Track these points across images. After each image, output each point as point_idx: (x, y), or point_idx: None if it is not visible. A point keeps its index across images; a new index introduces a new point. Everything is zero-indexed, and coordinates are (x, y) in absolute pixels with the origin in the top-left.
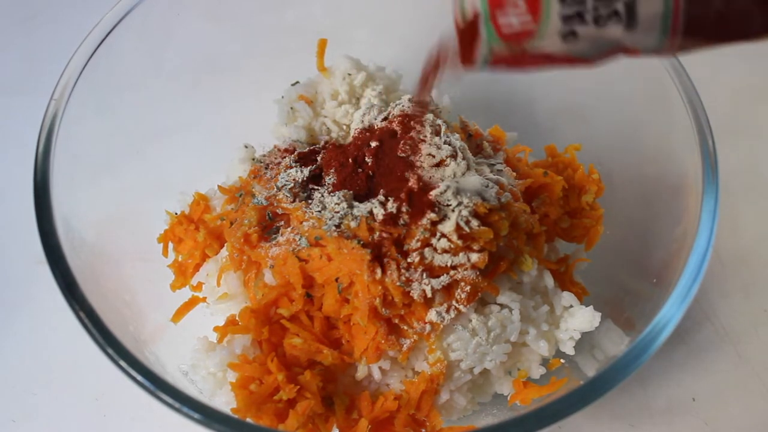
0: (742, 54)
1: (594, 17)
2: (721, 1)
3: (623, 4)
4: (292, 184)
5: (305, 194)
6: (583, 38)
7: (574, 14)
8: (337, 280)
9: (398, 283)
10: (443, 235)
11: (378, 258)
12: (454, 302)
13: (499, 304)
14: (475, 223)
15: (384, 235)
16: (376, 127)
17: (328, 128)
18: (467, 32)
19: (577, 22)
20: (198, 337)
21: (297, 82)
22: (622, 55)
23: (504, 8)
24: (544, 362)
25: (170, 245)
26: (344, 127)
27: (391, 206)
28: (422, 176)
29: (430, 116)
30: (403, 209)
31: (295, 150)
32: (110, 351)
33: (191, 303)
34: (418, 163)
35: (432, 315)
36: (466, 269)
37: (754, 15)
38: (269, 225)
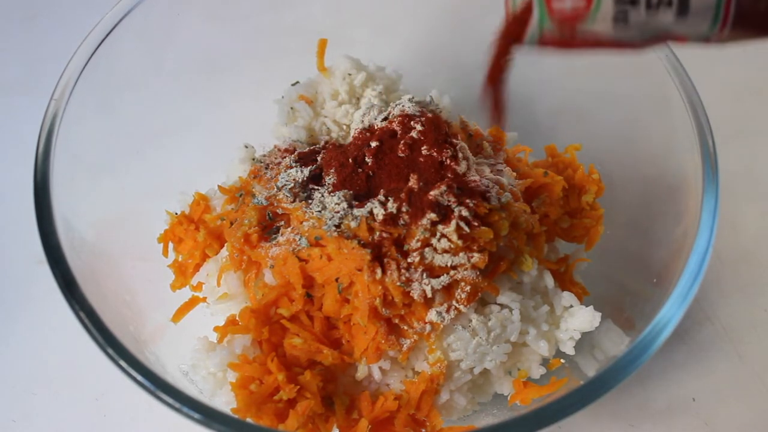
0: (743, 54)
1: (646, 3)
2: None
3: None
4: (292, 184)
5: (305, 194)
6: (634, 24)
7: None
8: (337, 280)
9: (398, 283)
10: (443, 235)
11: (378, 258)
12: (454, 302)
13: (499, 304)
14: (475, 223)
15: (384, 235)
16: (376, 127)
17: (328, 128)
18: (519, 11)
19: (629, 8)
20: (198, 337)
21: (297, 82)
22: (669, 42)
23: None
24: (544, 362)
25: (170, 245)
26: (344, 127)
27: (391, 206)
28: (422, 176)
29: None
30: (403, 209)
31: (295, 150)
32: (110, 351)
33: (191, 303)
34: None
35: (432, 315)
36: (466, 269)
37: None
38: (269, 225)
